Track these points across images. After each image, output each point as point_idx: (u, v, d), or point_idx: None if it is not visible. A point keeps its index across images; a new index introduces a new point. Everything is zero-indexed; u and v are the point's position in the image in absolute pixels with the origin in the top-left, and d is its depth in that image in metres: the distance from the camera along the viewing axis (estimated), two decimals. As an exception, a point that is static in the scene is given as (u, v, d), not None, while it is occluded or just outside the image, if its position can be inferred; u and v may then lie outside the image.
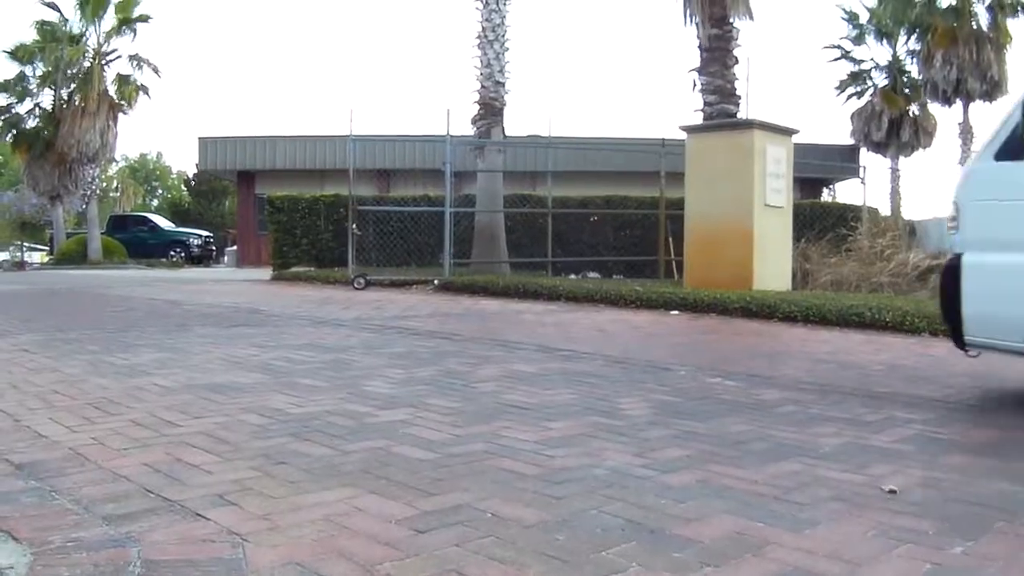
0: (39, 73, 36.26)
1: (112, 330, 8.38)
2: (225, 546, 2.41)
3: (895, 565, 2.40)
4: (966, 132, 31.18)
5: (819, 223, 19.50)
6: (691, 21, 17.09)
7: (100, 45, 36.02)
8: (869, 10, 34.19)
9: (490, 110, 18.78)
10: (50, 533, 2.48)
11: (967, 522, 2.75)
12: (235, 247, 38.30)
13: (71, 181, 36.38)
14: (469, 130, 19.29)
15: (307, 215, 21.43)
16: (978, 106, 31.12)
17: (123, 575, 2.22)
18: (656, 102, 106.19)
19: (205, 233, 42.00)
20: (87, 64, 35.66)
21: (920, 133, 33.45)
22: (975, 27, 30.16)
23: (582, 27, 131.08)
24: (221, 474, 3.14)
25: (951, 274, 5.46)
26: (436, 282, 15.63)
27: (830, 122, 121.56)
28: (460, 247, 18.05)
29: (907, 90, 34.19)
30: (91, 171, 36.95)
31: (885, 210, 29.42)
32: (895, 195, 34.59)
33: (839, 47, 35.16)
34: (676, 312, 11.00)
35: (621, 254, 21.23)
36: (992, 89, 30.02)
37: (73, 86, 35.96)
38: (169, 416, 4.15)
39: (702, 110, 17.05)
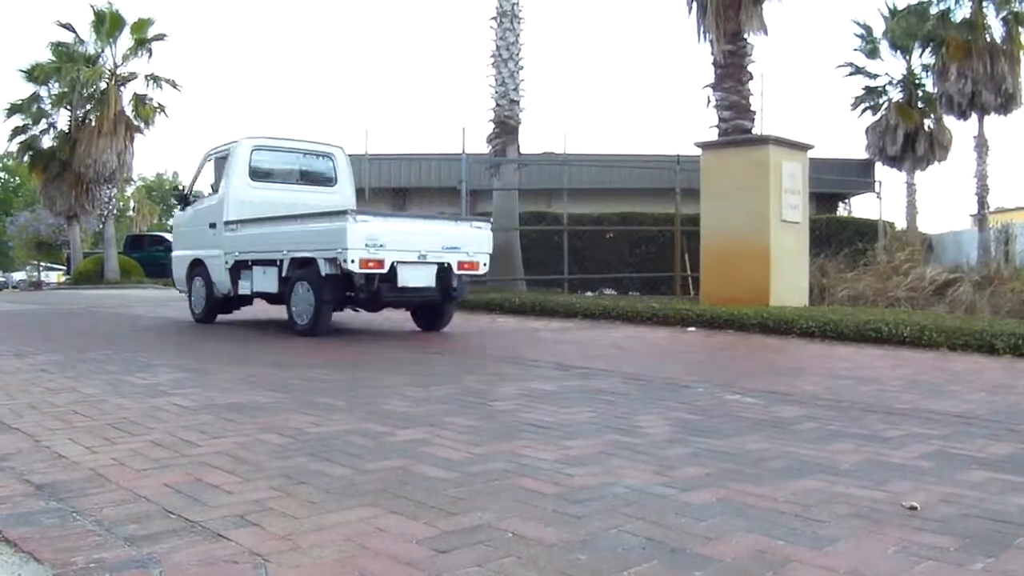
0: (54, 93, 36.48)
1: (130, 350, 8.41)
2: (247, 567, 2.42)
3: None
4: (981, 145, 31.04)
5: (835, 238, 19.50)
6: (705, 38, 17.11)
7: (116, 65, 36.23)
8: (884, 19, 34.15)
9: (505, 128, 18.82)
10: (72, 554, 2.49)
11: (988, 538, 2.74)
12: (251, 266, 38.35)
13: (87, 201, 36.55)
14: (484, 148, 19.35)
15: (322, 234, 21.46)
16: (993, 119, 30.95)
17: (146, 596, 2.23)
18: (671, 118, 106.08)
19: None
20: (103, 84, 35.86)
21: (935, 147, 33.33)
22: (989, 40, 30.06)
23: (596, 44, 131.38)
24: (242, 494, 3.14)
25: (172, 262, 13.50)
26: (452, 300, 15.67)
27: (845, 137, 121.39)
28: (476, 265, 18.08)
29: (922, 104, 34.09)
30: (108, 191, 37.13)
31: (901, 224, 29.35)
32: (911, 209, 34.48)
33: (852, 63, 35.13)
34: (693, 328, 10.98)
35: (637, 271, 21.23)
36: (1007, 102, 29.90)
37: (89, 106, 36.16)
38: (189, 436, 4.16)
39: (717, 126, 17.04)
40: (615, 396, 5.70)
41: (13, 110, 35.93)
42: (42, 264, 48.03)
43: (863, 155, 35.14)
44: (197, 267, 12.44)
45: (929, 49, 32.32)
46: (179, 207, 13.65)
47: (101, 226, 37.54)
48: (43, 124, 36.85)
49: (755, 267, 12.67)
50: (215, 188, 12.66)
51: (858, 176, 33.69)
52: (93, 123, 35.25)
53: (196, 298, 12.64)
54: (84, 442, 4.01)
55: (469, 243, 10.58)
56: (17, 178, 72.15)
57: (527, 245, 19.87)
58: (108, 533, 2.68)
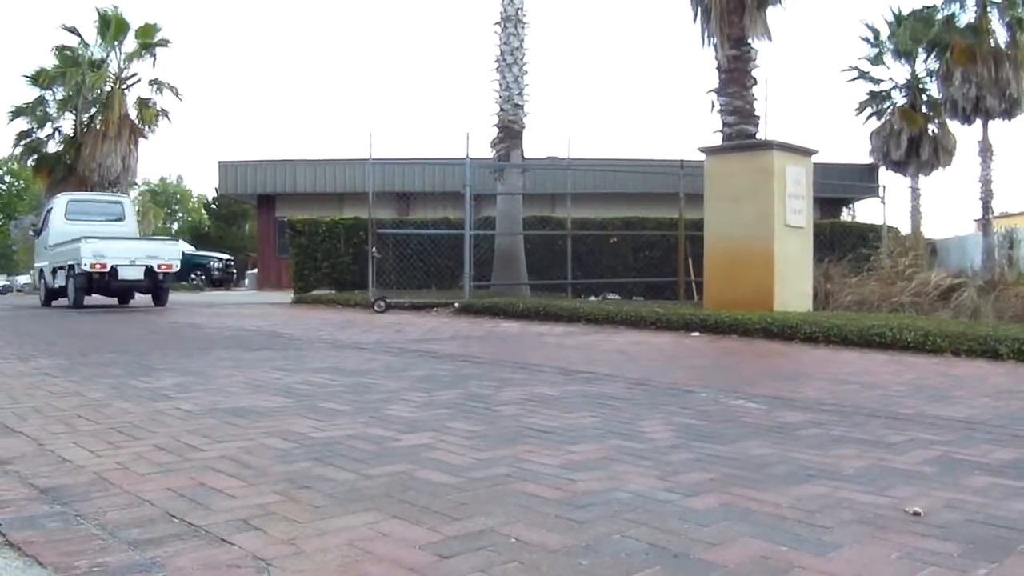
0: (59, 97, 36.56)
1: (134, 353, 8.42)
2: (250, 571, 2.42)
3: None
4: (986, 150, 31.01)
5: (839, 243, 19.49)
6: (709, 43, 17.15)
7: (120, 70, 36.31)
8: (888, 24, 34.14)
9: (509, 133, 18.84)
10: (76, 558, 2.49)
11: (991, 544, 2.74)
12: (255, 270, 38.49)
13: (92, 205, 36.58)
14: (488, 153, 19.38)
15: (327, 238, 21.53)
16: (997, 124, 30.94)
17: (149, 600, 2.23)
18: (675, 123, 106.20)
19: (226, 256, 42.08)
20: (108, 88, 35.93)
21: (939, 151, 33.31)
22: (994, 45, 30.06)
23: (600, 49, 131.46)
24: (245, 498, 3.14)
25: (34, 269, 26.13)
26: (456, 305, 15.66)
27: (849, 142, 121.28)
28: (480, 269, 18.09)
29: (926, 109, 34.09)
30: (112, 195, 37.19)
31: (905, 229, 29.33)
32: (915, 214, 34.48)
33: (857, 68, 35.12)
34: (697, 333, 10.98)
35: (640, 275, 21.24)
36: (1011, 107, 29.88)
37: (94, 110, 36.23)
38: (192, 440, 4.16)
39: (721, 131, 17.06)
40: (618, 401, 5.69)
41: (17, 113, 36.03)
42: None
43: (867, 160, 35.19)
44: (42, 272, 21.33)
45: (934, 54, 32.31)
46: (35, 235, 22.73)
47: (106, 230, 37.53)
48: (48, 128, 36.95)
49: (759, 272, 12.67)
50: (49, 224, 20.58)
51: (862, 181, 33.74)
52: (98, 127, 35.33)
53: (41, 290, 21.67)
54: (88, 446, 4.02)
55: (164, 253, 18.68)
56: (22, 182, 72.35)
57: (531, 250, 19.87)
58: (111, 537, 2.68)
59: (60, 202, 20.89)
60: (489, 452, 3.98)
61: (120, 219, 20.57)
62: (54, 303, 20.57)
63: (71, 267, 18.05)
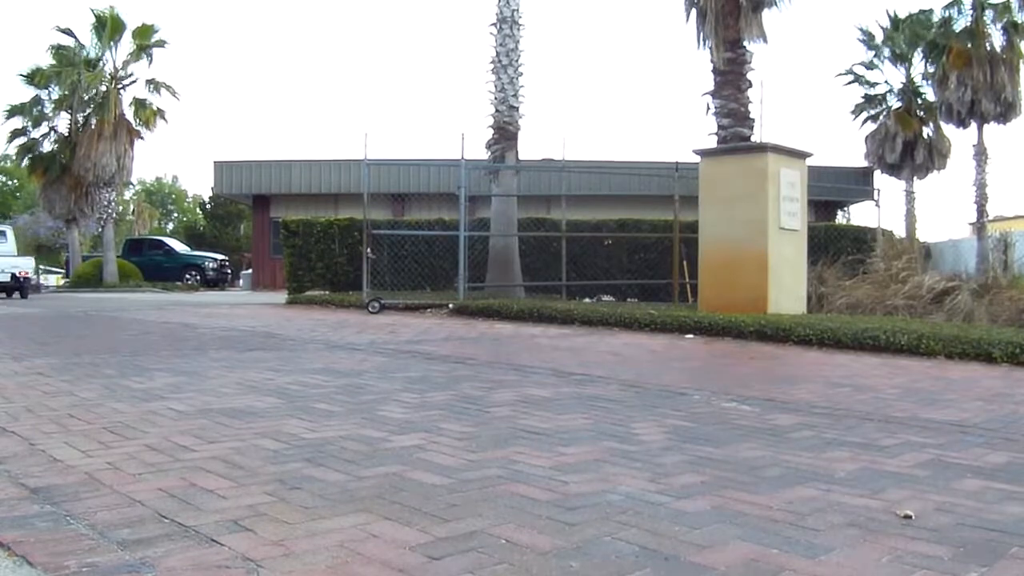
0: (55, 97, 36.50)
1: (127, 354, 8.41)
2: (240, 572, 2.41)
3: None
4: (981, 154, 31.02)
5: (834, 246, 19.48)
6: (704, 45, 17.17)
7: (116, 70, 36.26)
8: (883, 29, 34.19)
9: (504, 134, 18.83)
10: (65, 558, 2.49)
11: (982, 548, 2.74)
12: (250, 271, 38.44)
13: (87, 204, 36.59)
14: (483, 154, 19.37)
15: (322, 239, 21.49)
16: (993, 128, 30.94)
17: (138, 601, 2.22)
18: (670, 126, 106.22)
19: (220, 257, 42.09)
20: (103, 88, 35.88)
21: (934, 155, 33.36)
22: (989, 48, 30.08)
23: (596, 51, 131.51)
24: (236, 499, 3.14)
25: None
26: (450, 306, 15.65)
27: (844, 144, 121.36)
28: (474, 271, 18.08)
29: (921, 112, 34.13)
30: (107, 194, 37.13)
31: (900, 232, 29.35)
32: (910, 217, 34.50)
33: (852, 72, 35.17)
34: (691, 336, 10.98)
35: (635, 277, 21.22)
36: (1006, 110, 29.89)
37: (89, 110, 36.17)
38: (184, 441, 4.16)
39: (716, 133, 17.08)
40: (611, 403, 5.69)
41: (13, 112, 35.95)
42: (41, 267, 48.06)
43: (862, 163, 35.24)
44: None
45: (930, 58, 32.33)
46: None
47: (100, 229, 37.56)
48: (43, 127, 36.88)
49: (753, 275, 12.68)
50: None
51: (857, 184, 33.77)
52: (93, 127, 35.25)
53: None
54: (79, 446, 4.01)
55: (23, 264, 27.20)
56: (16, 181, 72.24)
57: (525, 251, 19.87)
58: (101, 537, 2.68)
59: None
60: (481, 454, 3.98)
61: (5, 241, 28.60)
62: None
63: None
